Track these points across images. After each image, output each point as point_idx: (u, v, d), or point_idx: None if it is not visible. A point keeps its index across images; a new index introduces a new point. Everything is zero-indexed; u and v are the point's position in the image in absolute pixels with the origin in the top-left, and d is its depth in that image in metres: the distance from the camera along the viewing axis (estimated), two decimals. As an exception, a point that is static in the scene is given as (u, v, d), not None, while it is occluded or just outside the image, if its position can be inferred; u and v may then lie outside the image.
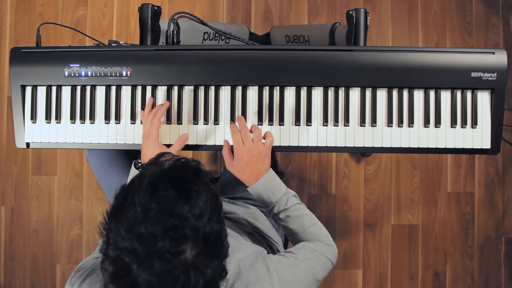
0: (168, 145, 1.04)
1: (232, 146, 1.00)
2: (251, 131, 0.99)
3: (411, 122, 1.05)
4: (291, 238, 0.98)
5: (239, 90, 1.06)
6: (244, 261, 0.79)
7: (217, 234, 0.63)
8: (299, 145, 1.05)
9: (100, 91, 1.07)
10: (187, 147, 1.05)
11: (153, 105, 1.05)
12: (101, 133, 1.07)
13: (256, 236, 1.05)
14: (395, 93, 1.05)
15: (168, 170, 0.65)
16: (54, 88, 1.07)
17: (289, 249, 0.90)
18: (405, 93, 1.05)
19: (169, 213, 0.60)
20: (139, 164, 1.00)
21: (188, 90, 1.06)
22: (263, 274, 0.79)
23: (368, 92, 1.05)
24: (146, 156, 0.99)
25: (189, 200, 0.61)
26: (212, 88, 1.06)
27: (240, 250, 0.81)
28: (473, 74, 1.02)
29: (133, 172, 0.99)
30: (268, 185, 0.96)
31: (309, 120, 1.05)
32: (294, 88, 1.05)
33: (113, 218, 0.62)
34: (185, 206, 0.61)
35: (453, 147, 1.05)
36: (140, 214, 0.60)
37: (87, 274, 0.78)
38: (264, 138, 1.00)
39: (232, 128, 0.98)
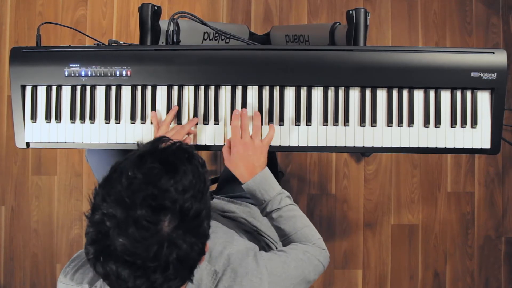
0: None
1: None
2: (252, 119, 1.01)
3: (411, 122, 1.05)
4: (282, 240, 0.98)
5: (239, 90, 1.06)
6: (235, 255, 0.81)
7: (197, 212, 0.65)
8: (299, 145, 1.05)
9: (100, 91, 1.07)
10: (187, 147, 1.04)
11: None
12: (101, 133, 1.07)
13: (254, 234, 1.05)
14: (395, 93, 1.05)
15: (161, 148, 0.68)
16: (54, 88, 1.07)
17: (281, 248, 0.91)
18: (405, 93, 1.05)
19: (152, 184, 0.62)
20: None
21: (188, 90, 1.06)
22: (252, 268, 0.79)
23: (368, 92, 1.05)
24: None
25: (174, 176, 0.64)
26: (212, 88, 1.06)
27: (232, 245, 0.83)
28: (473, 74, 1.02)
29: None
30: (262, 183, 0.96)
31: (309, 120, 1.05)
32: (294, 88, 1.05)
33: (102, 186, 0.65)
34: (169, 180, 0.63)
35: (453, 147, 1.05)
36: (125, 182, 0.62)
37: (81, 264, 0.80)
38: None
39: (232, 122, 1.00)
